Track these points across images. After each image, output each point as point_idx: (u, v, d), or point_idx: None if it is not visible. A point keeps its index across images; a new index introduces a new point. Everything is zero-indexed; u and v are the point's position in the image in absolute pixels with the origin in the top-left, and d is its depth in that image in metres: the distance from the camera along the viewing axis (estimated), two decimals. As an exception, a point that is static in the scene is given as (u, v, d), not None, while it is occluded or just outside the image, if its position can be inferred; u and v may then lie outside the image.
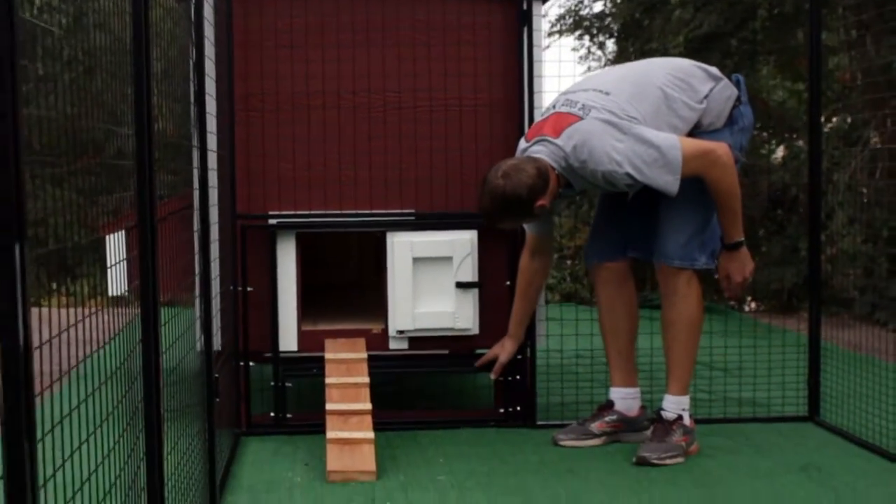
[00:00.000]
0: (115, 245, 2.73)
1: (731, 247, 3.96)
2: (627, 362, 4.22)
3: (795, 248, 7.84)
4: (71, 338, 1.83)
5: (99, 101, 2.12)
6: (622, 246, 4.18)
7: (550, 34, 9.22)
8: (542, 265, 4.25)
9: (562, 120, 3.84)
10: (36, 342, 1.59)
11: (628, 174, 3.72)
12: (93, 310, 2.03)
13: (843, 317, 6.65)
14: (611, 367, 4.23)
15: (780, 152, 8.72)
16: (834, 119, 7.53)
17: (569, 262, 8.47)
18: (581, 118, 3.80)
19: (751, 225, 4.35)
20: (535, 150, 3.86)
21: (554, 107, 3.93)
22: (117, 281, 2.48)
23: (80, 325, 1.91)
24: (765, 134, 8.49)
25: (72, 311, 1.95)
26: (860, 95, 7.30)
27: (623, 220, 4.17)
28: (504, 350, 4.34)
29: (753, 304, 8.45)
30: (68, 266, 2.08)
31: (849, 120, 7.56)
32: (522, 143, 3.97)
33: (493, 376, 4.37)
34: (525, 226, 4.22)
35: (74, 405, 1.88)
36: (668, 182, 3.75)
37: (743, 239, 3.97)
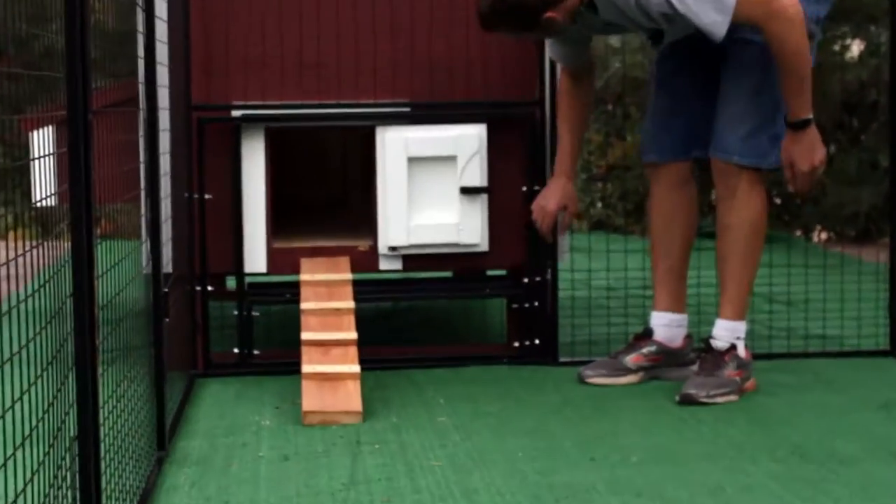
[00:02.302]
0: (42, 143, 2.67)
1: (796, 125, 3.84)
2: (678, 281, 4.16)
3: (874, 164, 7.77)
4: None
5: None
6: (687, 142, 4.10)
7: None
8: (586, 91, 4.20)
9: None
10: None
11: (667, 2, 3.65)
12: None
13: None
14: (656, 286, 4.18)
15: (855, 47, 8.62)
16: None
17: (599, 183, 8.40)
18: None
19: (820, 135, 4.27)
20: None
21: None
22: (43, 184, 2.41)
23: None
24: (842, 28, 8.38)
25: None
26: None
27: (690, 109, 4.08)
28: (553, 194, 4.18)
29: (823, 235, 8.38)
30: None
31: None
32: None
33: (561, 235, 4.27)
34: (557, 62, 4.19)
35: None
36: (715, 23, 3.67)
37: (811, 116, 3.86)
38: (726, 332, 3.94)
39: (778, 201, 8.25)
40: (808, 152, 3.86)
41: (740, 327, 3.96)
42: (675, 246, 4.16)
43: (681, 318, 4.18)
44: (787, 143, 3.87)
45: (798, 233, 8.33)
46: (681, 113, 4.11)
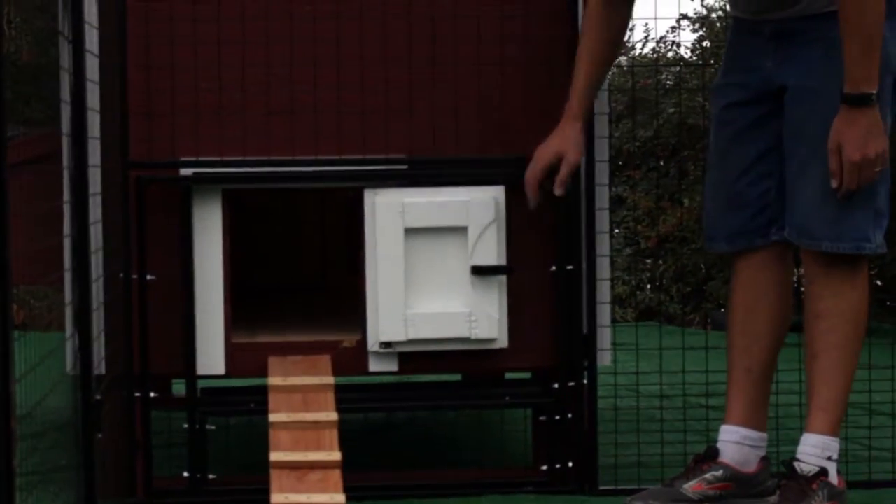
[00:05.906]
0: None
1: (852, 100, 3.83)
2: (757, 388, 4.16)
3: None
4: None
5: None
6: (765, 221, 4.12)
7: None
8: (619, 23, 4.20)
9: None
10: None
11: None
12: None
13: None
14: (729, 391, 4.18)
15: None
16: None
17: (648, 261, 8.44)
18: None
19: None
20: None
21: None
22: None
23: None
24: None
25: None
26: None
27: (762, 174, 4.12)
28: (568, 144, 4.17)
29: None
30: None
31: None
32: None
33: (557, 191, 4.20)
34: None
35: None
36: None
37: (874, 92, 3.84)
38: (815, 450, 3.92)
39: (879, 283, 8.26)
40: (862, 138, 3.84)
41: (833, 445, 3.95)
42: (756, 341, 4.14)
43: (757, 437, 4.17)
44: (838, 122, 3.85)
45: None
46: (749, 181, 4.13)
